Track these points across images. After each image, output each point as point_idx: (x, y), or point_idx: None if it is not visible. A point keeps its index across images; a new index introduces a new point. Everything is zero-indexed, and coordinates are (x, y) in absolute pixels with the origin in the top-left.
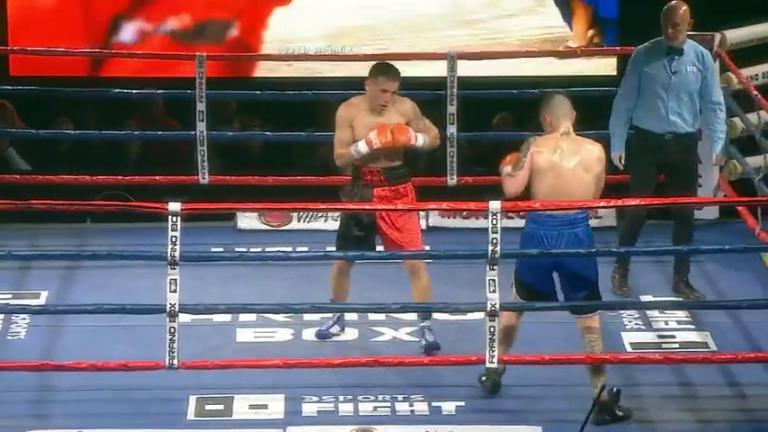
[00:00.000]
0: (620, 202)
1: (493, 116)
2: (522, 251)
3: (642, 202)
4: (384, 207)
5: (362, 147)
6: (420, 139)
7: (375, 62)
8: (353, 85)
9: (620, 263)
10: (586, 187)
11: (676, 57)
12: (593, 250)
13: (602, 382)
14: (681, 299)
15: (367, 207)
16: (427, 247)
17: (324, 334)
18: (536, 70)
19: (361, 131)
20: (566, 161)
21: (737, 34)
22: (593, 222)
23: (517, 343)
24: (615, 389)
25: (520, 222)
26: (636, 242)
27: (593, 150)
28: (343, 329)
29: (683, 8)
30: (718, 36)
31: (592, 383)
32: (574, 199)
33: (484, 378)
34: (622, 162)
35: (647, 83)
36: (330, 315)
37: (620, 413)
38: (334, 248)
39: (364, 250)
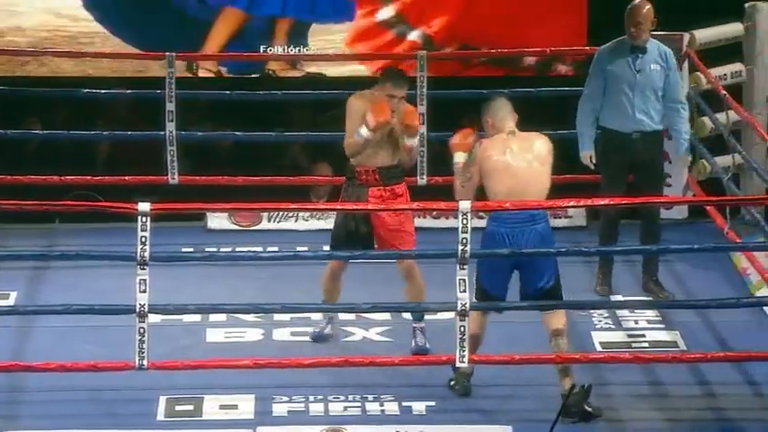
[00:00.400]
0: (590, 202)
1: (461, 116)
2: (493, 251)
3: (612, 202)
4: (357, 207)
5: (363, 130)
6: (415, 141)
7: (385, 68)
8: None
9: (602, 263)
10: (543, 182)
11: (640, 55)
12: (564, 249)
13: (571, 383)
14: (650, 298)
15: (338, 207)
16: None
17: (318, 336)
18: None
19: (364, 117)
20: (519, 159)
21: (706, 34)
22: (563, 222)
23: (488, 343)
24: (586, 385)
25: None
26: (616, 242)
27: (544, 144)
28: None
29: (647, 7)
30: (687, 36)
31: (560, 384)
32: (531, 195)
33: (453, 382)
34: (593, 161)
35: (613, 82)
36: (322, 317)
37: (590, 410)
38: (305, 248)
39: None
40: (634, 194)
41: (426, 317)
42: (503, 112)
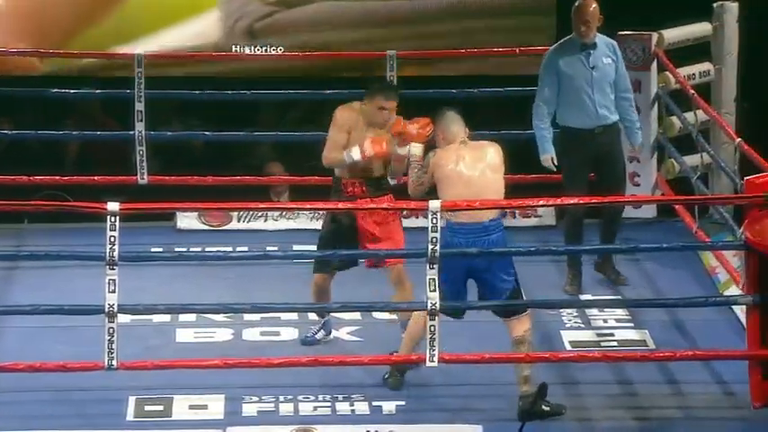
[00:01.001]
0: (559, 201)
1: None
2: (462, 250)
3: (582, 201)
4: (325, 207)
5: (356, 154)
6: (407, 150)
7: (374, 79)
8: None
9: (571, 262)
10: (497, 190)
11: (591, 51)
12: (533, 248)
13: (528, 386)
14: (603, 277)
15: (308, 206)
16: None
17: (310, 341)
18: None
19: (356, 139)
20: (471, 169)
21: (674, 34)
22: (532, 221)
23: (458, 342)
24: (541, 383)
25: None
26: (582, 240)
27: (496, 153)
28: (329, 333)
29: (593, 5)
30: (655, 36)
31: (518, 384)
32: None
33: (387, 375)
34: (555, 163)
35: (568, 83)
36: (316, 320)
37: (547, 409)
38: (274, 248)
39: (344, 269)
40: (599, 189)
41: (394, 316)
42: (453, 126)
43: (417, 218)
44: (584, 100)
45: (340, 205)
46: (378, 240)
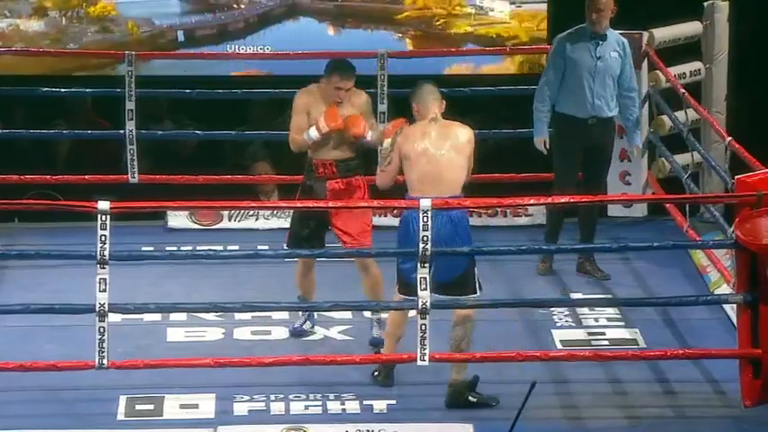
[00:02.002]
0: (549, 201)
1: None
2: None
3: (571, 200)
4: (317, 206)
5: (313, 132)
6: (369, 134)
7: (330, 59)
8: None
9: (548, 240)
10: (459, 170)
11: (600, 42)
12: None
13: (460, 375)
14: (587, 278)
15: (298, 205)
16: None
17: (298, 331)
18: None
19: (316, 120)
20: (435, 146)
21: (665, 33)
22: (523, 220)
23: (448, 340)
24: (473, 376)
25: None
26: (560, 227)
27: (463, 133)
28: (313, 326)
29: None
30: (645, 34)
31: (451, 369)
32: (445, 182)
33: (376, 372)
34: (546, 147)
35: (572, 69)
36: (300, 313)
37: (474, 399)
38: (265, 247)
39: (315, 247)
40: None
41: (386, 315)
42: (428, 98)
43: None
44: (584, 88)
45: (330, 204)
46: (344, 218)
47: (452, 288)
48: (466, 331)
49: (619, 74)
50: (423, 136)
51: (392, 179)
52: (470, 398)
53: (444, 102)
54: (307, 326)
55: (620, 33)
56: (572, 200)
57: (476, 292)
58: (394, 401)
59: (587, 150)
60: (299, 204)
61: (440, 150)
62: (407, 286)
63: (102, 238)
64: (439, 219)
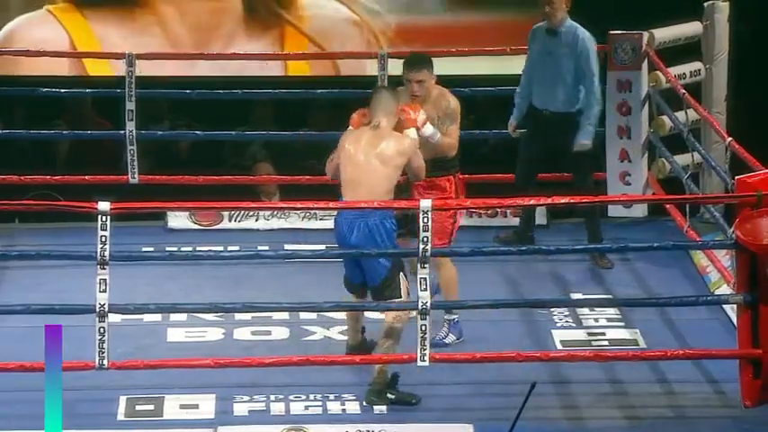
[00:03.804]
0: (549, 201)
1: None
2: (453, 249)
3: (572, 200)
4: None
5: (413, 133)
6: (429, 130)
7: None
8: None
9: (523, 218)
10: (380, 179)
11: (552, 37)
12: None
13: (383, 373)
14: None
15: (299, 206)
16: None
17: (439, 343)
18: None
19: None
20: (361, 153)
21: (665, 33)
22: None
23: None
24: (393, 373)
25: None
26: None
27: (394, 145)
28: (459, 337)
29: None
30: (646, 35)
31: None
32: (363, 189)
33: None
34: (515, 132)
35: (532, 60)
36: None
37: (392, 396)
38: (265, 248)
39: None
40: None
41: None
42: (378, 106)
43: None
44: (540, 80)
45: (331, 204)
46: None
47: (376, 292)
48: (392, 343)
49: (574, 70)
50: (355, 140)
51: (335, 173)
52: (389, 395)
53: (393, 110)
54: (449, 339)
55: (621, 34)
56: (572, 200)
57: (399, 297)
58: None
59: (554, 150)
60: (298, 205)
61: (364, 157)
62: (346, 283)
63: (103, 239)
64: (357, 225)
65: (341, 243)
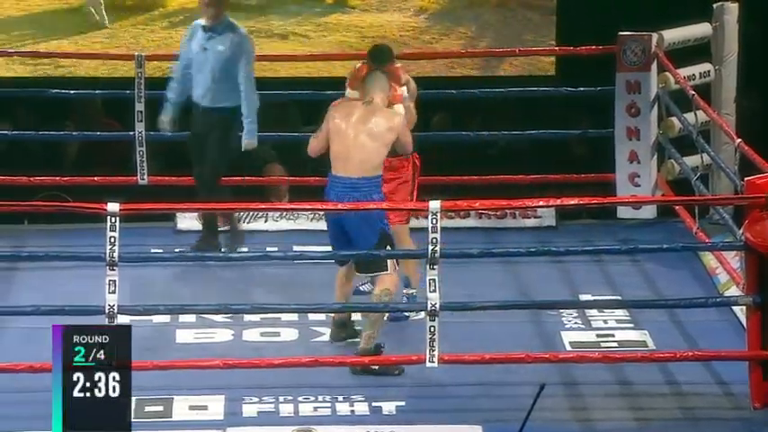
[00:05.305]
0: (558, 202)
1: (432, 116)
2: (462, 250)
3: (581, 202)
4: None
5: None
6: (405, 93)
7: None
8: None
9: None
10: (368, 154)
11: (209, 34)
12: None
13: (366, 344)
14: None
15: (308, 206)
16: None
17: (397, 316)
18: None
19: None
20: (351, 128)
21: (675, 34)
22: (532, 222)
23: (458, 342)
24: (376, 345)
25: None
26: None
27: (384, 122)
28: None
29: None
30: (655, 36)
31: (360, 338)
32: (353, 163)
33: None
34: (166, 128)
35: (190, 56)
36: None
37: (376, 367)
38: (274, 249)
39: None
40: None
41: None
42: (372, 83)
43: (417, 218)
44: (195, 77)
45: (340, 205)
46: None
47: (363, 266)
48: (378, 317)
49: (228, 67)
50: (346, 116)
51: (322, 148)
52: (373, 366)
53: (387, 90)
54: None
55: (630, 35)
56: (581, 202)
57: (386, 270)
58: (403, 403)
59: (198, 139)
60: (307, 206)
61: (353, 132)
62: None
63: (112, 240)
64: (347, 197)
65: (330, 217)
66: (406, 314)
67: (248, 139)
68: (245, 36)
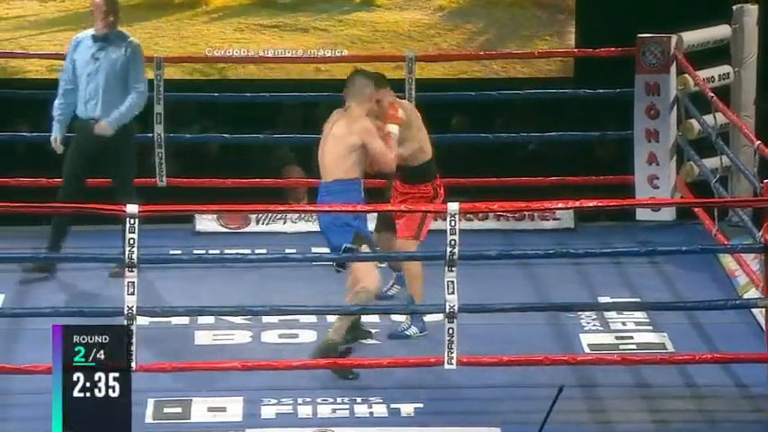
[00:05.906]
0: (577, 204)
1: (451, 118)
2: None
3: (600, 204)
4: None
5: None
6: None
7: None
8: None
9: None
10: (334, 159)
11: (100, 44)
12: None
13: (336, 336)
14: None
15: (326, 209)
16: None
17: (398, 335)
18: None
19: None
20: (324, 133)
21: (694, 36)
22: (551, 224)
23: (476, 344)
24: (346, 348)
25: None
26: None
27: (344, 126)
28: (423, 331)
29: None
30: (674, 38)
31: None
32: (324, 164)
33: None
34: (58, 146)
35: (77, 68)
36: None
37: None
38: (293, 251)
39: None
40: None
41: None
42: (351, 90)
43: (435, 220)
44: (83, 89)
45: (358, 207)
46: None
47: (339, 263)
48: (344, 323)
49: (122, 75)
50: (327, 121)
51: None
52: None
53: (379, 93)
54: (411, 331)
55: (649, 37)
56: (600, 204)
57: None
58: (421, 405)
59: (102, 155)
60: (326, 208)
61: (324, 137)
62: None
63: (131, 242)
64: (320, 200)
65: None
66: (407, 332)
67: (104, 123)
68: (137, 44)
